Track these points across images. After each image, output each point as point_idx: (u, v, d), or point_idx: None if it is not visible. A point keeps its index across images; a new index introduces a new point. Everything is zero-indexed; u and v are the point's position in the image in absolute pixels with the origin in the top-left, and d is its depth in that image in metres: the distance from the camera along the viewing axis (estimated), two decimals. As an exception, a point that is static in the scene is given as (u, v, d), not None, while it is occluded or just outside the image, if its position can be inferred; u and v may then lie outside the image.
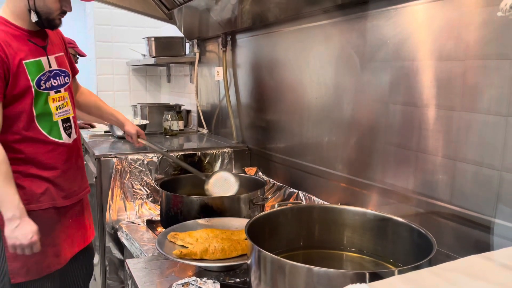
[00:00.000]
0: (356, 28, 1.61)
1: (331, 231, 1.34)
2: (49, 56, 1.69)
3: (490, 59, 1.15)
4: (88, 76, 4.04)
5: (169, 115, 2.95)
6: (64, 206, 1.77)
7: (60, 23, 1.69)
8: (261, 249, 1.02)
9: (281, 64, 2.12)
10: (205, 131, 3.06)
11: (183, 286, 1.22)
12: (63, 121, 1.73)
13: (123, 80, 4.03)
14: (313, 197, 1.89)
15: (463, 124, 1.23)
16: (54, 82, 1.69)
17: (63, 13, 1.66)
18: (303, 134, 1.99)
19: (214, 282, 1.24)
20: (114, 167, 2.14)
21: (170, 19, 2.94)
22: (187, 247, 1.41)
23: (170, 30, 3.42)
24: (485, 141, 1.17)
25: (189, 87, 3.50)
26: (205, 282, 1.23)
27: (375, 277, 0.88)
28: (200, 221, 1.62)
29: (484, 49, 1.16)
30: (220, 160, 2.41)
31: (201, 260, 1.37)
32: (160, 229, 1.90)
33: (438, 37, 1.29)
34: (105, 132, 2.96)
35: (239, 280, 1.35)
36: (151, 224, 1.98)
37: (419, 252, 1.08)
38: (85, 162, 2.08)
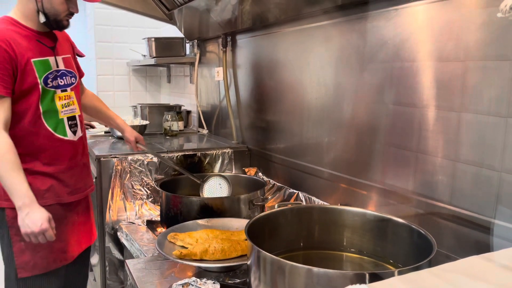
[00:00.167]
0: (356, 29, 1.61)
1: (331, 231, 1.34)
2: (56, 57, 1.73)
3: (490, 60, 1.15)
4: (88, 76, 4.03)
5: (169, 116, 2.95)
6: (70, 203, 1.79)
7: (67, 24, 1.73)
8: (261, 250, 1.02)
9: (281, 65, 2.12)
10: (205, 131, 3.06)
11: (183, 286, 1.22)
12: (69, 119, 1.77)
13: (123, 81, 4.03)
14: (313, 198, 1.89)
15: (463, 125, 1.23)
16: (61, 82, 1.74)
17: (70, 14, 1.71)
18: (303, 135, 1.99)
19: (214, 283, 1.24)
20: (114, 168, 2.14)
21: (170, 19, 2.94)
22: (187, 248, 1.41)
23: (170, 31, 3.42)
24: (485, 142, 1.17)
25: (189, 88, 3.50)
26: (205, 282, 1.23)
27: (375, 278, 0.88)
28: (200, 221, 1.63)
29: (484, 50, 1.16)
30: (220, 160, 2.41)
31: (201, 260, 1.37)
32: (160, 229, 1.90)
33: (438, 38, 1.29)
34: (105, 132, 2.96)
35: (239, 280, 1.35)
36: (151, 224, 1.98)
37: (419, 253, 1.08)
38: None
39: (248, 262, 1.10)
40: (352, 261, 1.30)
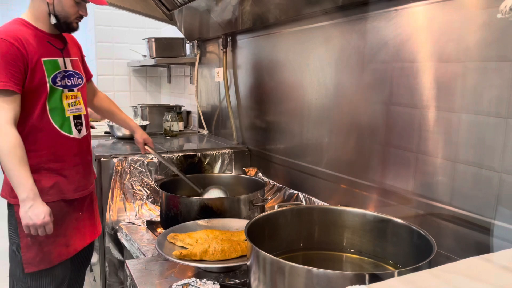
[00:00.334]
0: (356, 30, 1.61)
1: (330, 232, 1.34)
2: (65, 58, 1.81)
3: (490, 60, 1.15)
4: (88, 76, 4.04)
5: (169, 116, 2.95)
6: (74, 199, 1.84)
7: (77, 27, 1.81)
8: (260, 250, 1.02)
9: (281, 65, 2.12)
10: (205, 132, 3.06)
11: (182, 287, 1.22)
12: (75, 117, 1.83)
13: (123, 81, 4.04)
14: (313, 198, 1.89)
15: (463, 125, 1.23)
16: (68, 82, 1.81)
17: (80, 17, 1.79)
18: (303, 135, 1.99)
19: (213, 283, 1.23)
20: (114, 168, 2.14)
21: (170, 20, 2.94)
22: (186, 248, 1.41)
23: (171, 31, 3.42)
24: (485, 143, 1.17)
25: (189, 88, 3.50)
26: (205, 283, 1.23)
27: (374, 278, 0.88)
28: (200, 222, 1.62)
29: (484, 51, 1.16)
30: (220, 161, 2.41)
31: (200, 261, 1.37)
32: (160, 230, 1.90)
33: (438, 39, 1.29)
34: (105, 132, 2.96)
35: (238, 281, 1.35)
36: (151, 225, 1.98)
37: (418, 253, 1.08)
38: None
39: (248, 263, 1.10)
40: (352, 261, 1.30)
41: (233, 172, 2.43)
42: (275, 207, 1.33)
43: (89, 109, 2.07)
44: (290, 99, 2.06)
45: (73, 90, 1.82)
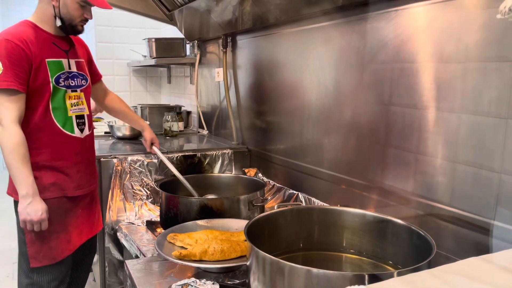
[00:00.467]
0: (356, 30, 1.61)
1: (330, 232, 1.34)
2: (70, 60, 1.85)
3: (490, 61, 1.15)
4: (88, 76, 4.04)
5: (169, 116, 2.96)
6: (76, 196, 1.88)
7: (82, 29, 1.86)
8: (260, 251, 1.02)
9: (281, 66, 2.12)
10: (205, 132, 3.06)
11: (182, 287, 1.22)
12: (77, 117, 1.87)
13: (123, 81, 4.03)
14: (313, 199, 1.89)
15: (463, 126, 1.23)
16: (72, 82, 1.85)
17: (85, 20, 1.83)
18: (303, 136, 1.99)
19: (213, 284, 1.23)
20: (114, 168, 2.14)
21: (170, 20, 2.94)
22: (186, 248, 1.41)
23: (171, 31, 3.43)
24: (485, 143, 1.17)
25: (189, 88, 3.50)
26: (204, 283, 1.23)
27: (374, 279, 0.88)
28: (200, 222, 1.62)
29: (484, 51, 1.16)
30: (220, 161, 2.41)
31: (200, 261, 1.37)
32: (159, 230, 1.90)
33: (438, 39, 1.29)
34: (105, 132, 2.96)
35: (238, 281, 1.35)
36: (150, 225, 1.98)
37: (418, 254, 1.08)
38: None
39: (248, 263, 1.10)
40: (352, 262, 1.30)
41: (233, 172, 2.43)
42: (275, 208, 1.33)
43: (92, 102, 2.13)
44: (290, 100, 2.06)
45: (76, 91, 1.87)
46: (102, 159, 2.15)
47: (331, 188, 1.81)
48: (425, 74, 1.34)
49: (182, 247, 1.44)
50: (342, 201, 1.74)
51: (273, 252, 1.19)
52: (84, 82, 1.91)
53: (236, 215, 1.75)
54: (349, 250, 1.33)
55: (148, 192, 2.20)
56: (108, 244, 2.12)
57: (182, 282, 1.23)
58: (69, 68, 1.84)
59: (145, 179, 2.21)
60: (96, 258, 2.20)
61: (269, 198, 2.15)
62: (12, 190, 1.78)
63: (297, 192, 2.01)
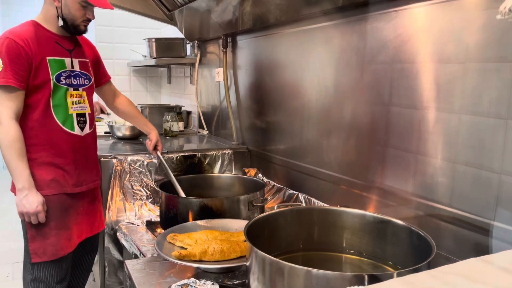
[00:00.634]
0: (356, 30, 1.61)
1: (330, 233, 1.34)
2: (73, 59, 1.89)
3: (490, 61, 1.15)
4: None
5: (170, 116, 2.96)
6: (76, 194, 1.91)
7: (85, 29, 1.89)
8: (259, 251, 1.02)
9: (282, 66, 2.12)
10: (205, 132, 3.06)
11: (182, 287, 1.22)
12: (78, 115, 1.90)
13: (123, 81, 4.03)
14: (313, 199, 1.89)
15: (463, 126, 1.23)
16: (74, 81, 1.89)
17: (88, 20, 1.87)
18: (303, 136, 1.99)
19: (213, 284, 1.23)
20: (114, 168, 2.14)
21: (171, 20, 2.94)
22: (186, 249, 1.41)
23: (171, 31, 3.42)
24: (485, 144, 1.17)
25: (189, 88, 3.50)
26: (204, 283, 1.23)
27: (374, 279, 0.88)
28: (200, 222, 1.62)
29: (484, 52, 1.16)
30: (220, 161, 2.41)
31: (200, 261, 1.37)
32: (159, 230, 1.90)
33: (438, 40, 1.29)
34: (105, 132, 2.96)
35: (238, 282, 1.35)
36: (150, 225, 1.98)
37: (418, 254, 1.08)
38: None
39: (247, 263, 1.10)
40: (351, 262, 1.30)
41: (233, 172, 2.42)
42: (275, 208, 1.33)
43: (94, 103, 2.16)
44: (290, 100, 2.06)
45: (78, 89, 1.90)
46: (102, 159, 2.15)
47: (331, 189, 1.81)
48: (425, 75, 1.34)
49: (182, 247, 1.44)
50: (342, 202, 1.74)
51: (273, 253, 1.19)
52: (87, 82, 1.94)
53: (236, 215, 1.75)
54: (349, 251, 1.33)
55: (148, 192, 2.20)
56: (108, 244, 2.12)
57: (182, 282, 1.23)
58: (72, 67, 1.87)
59: (145, 179, 2.21)
60: (96, 258, 2.20)
61: (269, 198, 2.15)
62: (15, 188, 1.80)
63: (297, 193, 2.01)
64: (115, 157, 2.17)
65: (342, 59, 1.70)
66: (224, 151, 2.43)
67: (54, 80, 1.80)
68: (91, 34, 3.96)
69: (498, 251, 0.87)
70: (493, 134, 1.15)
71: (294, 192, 2.03)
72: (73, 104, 1.87)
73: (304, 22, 1.91)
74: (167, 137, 2.93)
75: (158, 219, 2.02)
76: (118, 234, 2.00)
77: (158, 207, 2.04)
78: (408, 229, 1.18)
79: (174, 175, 2.11)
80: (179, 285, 1.22)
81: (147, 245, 1.73)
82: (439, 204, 1.32)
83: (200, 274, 1.38)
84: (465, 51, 1.21)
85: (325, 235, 1.35)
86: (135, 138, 2.80)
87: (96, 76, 2.07)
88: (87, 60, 1.98)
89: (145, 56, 3.60)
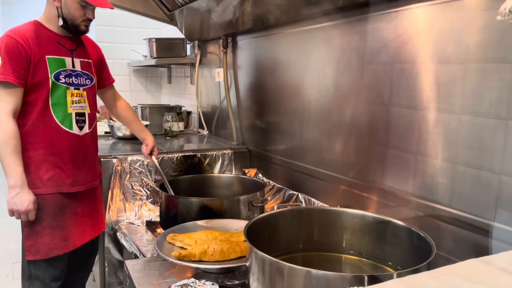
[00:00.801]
0: (356, 31, 1.61)
1: (330, 233, 1.34)
2: (74, 58, 1.89)
3: (490, 62, 1.15)
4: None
5: (170, 116, 2.96)
6: (73, 193, 1.89)
7: (85, 29, 1.89)
8: (259, 251, 1.02)
9: (282, 66, 2.12)
10: (205, 132, 3.06)
11: (181, 287, 1.22)
12: (77, 114, 1.90)
13: (124, 81, 4.03)
14: (313, 199, 1.89)
15: (463, 127, 1.23)
16: (75, 80, 1.89)
17: (88, 20, 1.87)
18: (303, 136, 1.99)
19: (212, 284, 1.23)
20: (114, 168, 2.14)
21: (171, 20, 2.95)
22: (186, 249, 1.41)
23: (171, 31, 3.42)
24: (485, 144, 1.17)
25: (189, 88, 3.50)
26: (204, 283, 1.23)
27: (373, 280, 0.88)
28: (199, 222, 1.62)
29: (484, 53, 1.16)
30: (220, 161, 2.41)
31: (200, 261, 1.37)
32: (159, 230, 1.90)
33: (438, 40, 1.29)
34: (106, 132, 2.96)
35: (237, 282, 1.35)
36: (150, 225, 1.98)
37: (418, 255, 1.08)
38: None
39: (247, 264, 1.10)
40: (351, 263, 1.30)
41: (233, 172, 2.42)
42: (275, 208, 1.33)
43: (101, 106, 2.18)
44: (290, 100, 2.06)
45: (79, 89, 1.90)
46: (102, 159, 2.15)
47: (331, 189, 1.81)
48: (425, 75, 1.34)
49: (181, 247, 1.44)
50: (342, 202, 1.74)
51: (273, 253, 1.19)
52: (88, 82, 1.95)
53: (236, 215, 1.75)
54: (348, 251, 1.33)
55: (148, 192, 2.20)
56: (108, 244, 2.12)
57: (182, 282, 1.23)
58: (73, 66, 1.88)
59: (145, 179, 2.21)
60: (96, 258, 2.20)
61: (269, 198, 2.15)
62: None
63: (297, 193, 2.01)
64: (115, 157, 2.17)
65: (342, 59, 1.70)
66: (224, 151, 2.43)
67: (53, 78, 1.80)
68: (92, 34, 3.97)
69: (498, 252, 0.87)
70: (493, 134, 1.15)
71: (294, 192, 2.03)
72: (72, 103, 1.87)
73: (305, 22, 1.91)
74: (167, 137, 2.93)
75: (158, 219, 2.02)
76: (118, 234, 2.00)
77: (158, 207, 2.04)
78: (408, 229, 1.18)
79: (174, 175, 2.12)
80: (179, 285, 1.22)
81: (147, 245, 1.73)
82: (439, 204, 1.32)
83: (200, 274, 1.38)
84: (465, 51, 1.21)
85: (325, 235, 1.35)
86: (135, 138, 2.79)
87: (100, 77, 2.07)
88: (90, 60, 1.98)
89: (145, 56, 3.60)
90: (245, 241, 1.26)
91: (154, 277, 1.36)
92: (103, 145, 2.57)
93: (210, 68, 2.98)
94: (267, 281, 1.02)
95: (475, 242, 1.21)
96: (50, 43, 1.82)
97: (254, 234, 1.14)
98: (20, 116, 1.78)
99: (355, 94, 1.64)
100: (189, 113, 3.44)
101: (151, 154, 2.09)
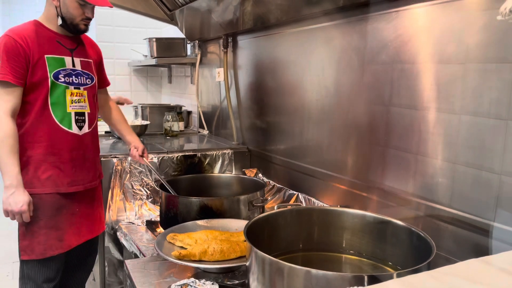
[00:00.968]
0: (357, 31, 1.61)
1: (330, 233, 1.34)
2: (74, 58, 1.89)
3: (490, 62, 1.15)
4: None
5: (170, 116, 2.96)
6: (70, 193, 1.88)
7: (85, 28, 1.89)
8: (259, 251, 1.02)
9: (282, 66, 2.12)
10: (205, 132, 3.06)
11: (181, 287, 1.22)
12: (77, 114, 1.89)
13: (124, 81, 4.03)
14: (313, 199, 1.89)
15: (463, 127, 1.23)
16: (75, 80, 1.89)
17: (87, 19, 1.86)
18: (303, 136, 1.99)
19: (212, 284, 1.23)
20: (114, 168, 2.14)
21: (171, 20, 2.95)
22: (186, 248, 1.41)
23: (172, 31, 3.42)
24: (485, 145, 1.17)
25: (190, 88, 3.50)
26: (204, 283, 1.23)
27: (373, 280, 0.88)
28: (200, 222, 1.62)
29: (484, 53, 1.16)
30: (220, 161, 2.41)
31: (200, 261, 1.37)
32: (159, 230, 1.90)
33: (439, 40, 1.29)
34: (106, 132, 2.96)
35: (237, 282, 1.35)
36: (150, 225, 1.98)
37: (418, 255, 1.08)
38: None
39: (247, 263, 1.10)
40: (351, 263, 1.30)
41: (233, 172, 2.43)
42: (275, 208, 1.33)
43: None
44: (291, 100, 2.06)
45: (79, 88, 1.90)
46: (102, 159, 2.15)
47: (331, 189, 1.81)
48: (425, 75, 1.34)
49: (181, 247, 1.44)
50: (342, 202, 1.74)
51: (273, 253, 1.19)
52: (89, 81, 1.94)
53: (236, 215, 1.75)
54: (348, 251, 1.33)
55: (148, 192, 2.20)
56: (108, 243, 2.12)
57: (182, 282, 1.23)
58: (73, 66, 1.88)
59: (145, 179, 2.21)
60: (95, 257, 2.20)
61: (269, 198, 2.15)
62: None
63: (297, 193, 2.01)
64: (116, 157, 2.17)
65: (343, 59, 1.70)
66: (224, 151, 2.43)
67: (52, 77, 1.80)
68: (92, 34, 3.97)
69: (498, 252, 0.87)
70: (493, 134, 1.15)
71: (294, 192, 2.03)
72: (72, 103, 1.86)
73: (305, 22, 1.91)
74: (168, 137, 2.93)
75: (158, 219, 2.02)
76: (118, 233, 2.00)
77: (158, 207, 2.04)
78: (408, 229, 1.18)
79: (174, 175, 2.12)
80: (178, 285, 1.22)
81: (147, 245, 1.73)
82: (439, 204, 1.32)
83: (200, 274, 1.38)
84: (465, 51, 1.21)
85: (325, 235, 1.35)
86: (136, 138, 2.80)
87: (97, 78, 2.06)
88: (90, 60, 1.98)
89: (146, 55, 3.60)
90: (245, 241, 1.26)
91: (154, 276, 1.36)
92: (103, 144, 2.57)
93: (210, 68, 2.98)
94: (267, 281, 1.02)
95: (475, 242, 1.21)
96: (49, 43, 1.82)
97: (254, 234, 1.14)
98: (20, 115, 1.78)
99: (356, 94, 1.64)
100: (189, 112, 3.44)
101: (142, 156, 2.06)
